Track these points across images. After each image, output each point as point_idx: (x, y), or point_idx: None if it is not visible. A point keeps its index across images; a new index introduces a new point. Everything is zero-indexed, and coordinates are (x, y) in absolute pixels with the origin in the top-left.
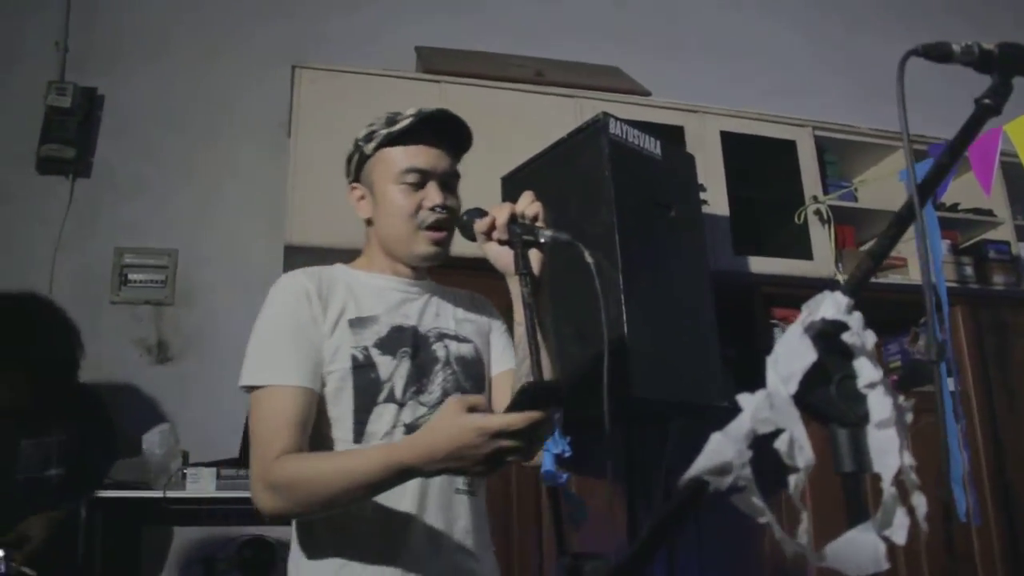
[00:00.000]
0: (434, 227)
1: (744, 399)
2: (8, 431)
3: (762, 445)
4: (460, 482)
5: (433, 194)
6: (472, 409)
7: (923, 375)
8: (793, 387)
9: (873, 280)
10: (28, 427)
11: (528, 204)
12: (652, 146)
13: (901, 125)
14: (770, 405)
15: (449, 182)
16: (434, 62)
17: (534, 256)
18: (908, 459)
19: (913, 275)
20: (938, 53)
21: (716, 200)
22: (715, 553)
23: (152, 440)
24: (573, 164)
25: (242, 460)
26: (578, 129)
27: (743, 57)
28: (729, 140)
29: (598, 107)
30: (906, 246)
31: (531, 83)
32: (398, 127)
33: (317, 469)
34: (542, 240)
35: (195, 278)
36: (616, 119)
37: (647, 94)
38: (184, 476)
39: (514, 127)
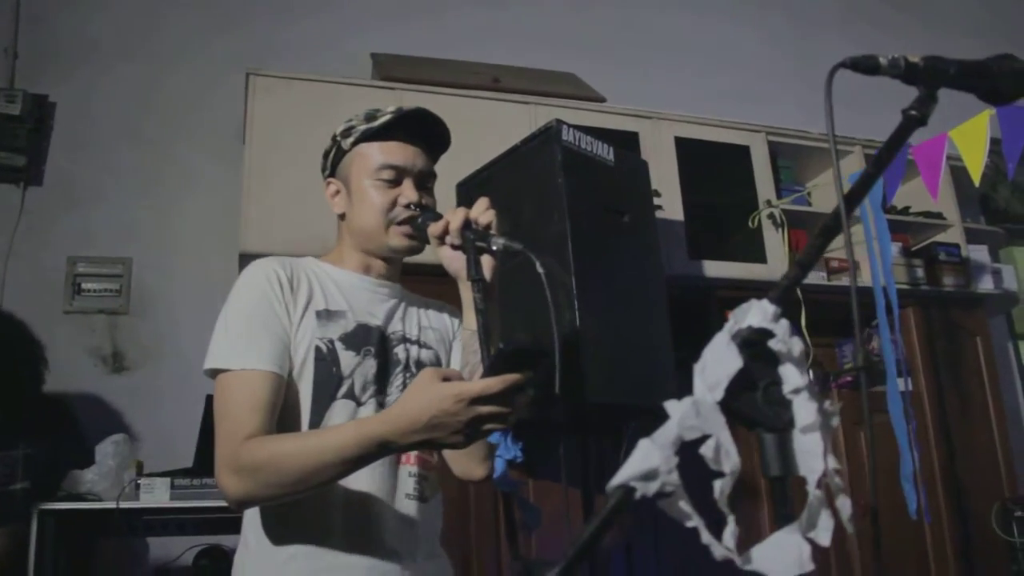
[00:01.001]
0: (407, 223)
1: (671, 406)
2: None
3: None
4: (411, 486)
5: (408, 191)
6: (446, 379)
7: (877, 375)
8: (719, 394)
9: (828, 283)
10: None
11: (482, 211)
12: (605, 152)
13: (829, 134)
14: (697, 412)
15: (425, 181)
16: (390, 69)
17: (486, 262)
18: (832, 462)
19: (865, 278)
20: (866, 66)
21: (671, 205)
22: (673, 551)
23: (105, 451)
24: (526, 171)
25: (196, 470)
26: (531, 136)
27: (698, 63)
28: (684, 146)
29: (553, 114)
30: (859, 249)
31: (488, 90)
32: (377, 123)
33: (286, 448)
34: (494, 248)
35: (150, 287)
36: (569, 126)
37: (602, 100)
38: (138, 487)
39: (471, 134)
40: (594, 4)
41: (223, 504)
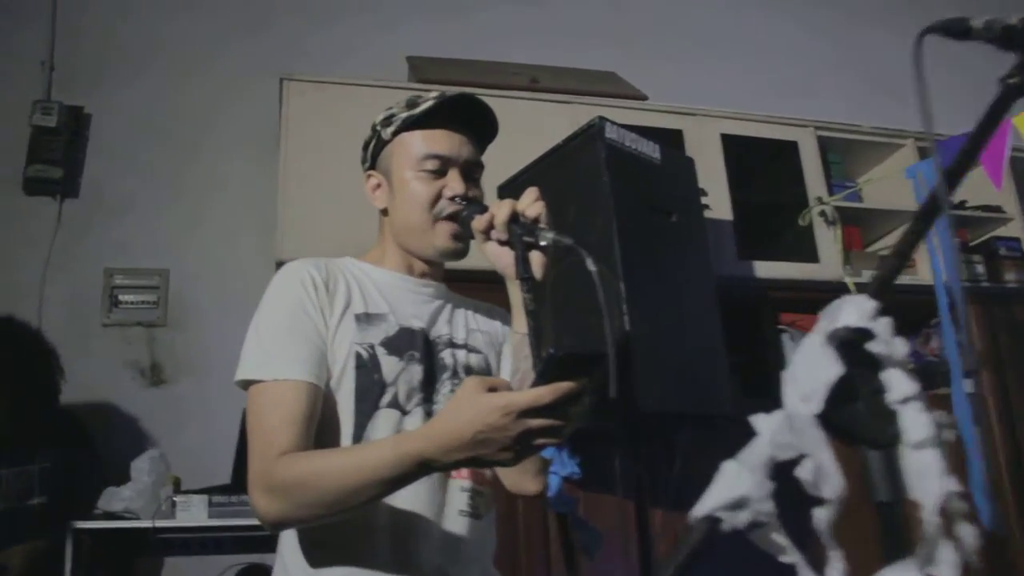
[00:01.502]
0: (453, 219)
1: (761, 421)
2: None
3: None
4: (464, 502)
5: (454, 183)
6: (492, 389)
7: (937, 378)
8: (816, 406)
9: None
10: (8, 456)
11: (530, 203)
12: (651, 150)
13: (921, 109)
14: (790, 427)
15: (472, 171)
16: (426, 72)
17: (536, 259)
18: (951, 483)
19: (923, 275)
20: (957, 29)
21: (718, 204)
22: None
23: (141, 467)
24: (570, 170)
25: (234, 486)
26: (573, 135)
27: (742, 57)
28: (730, 143)
29: (594, 113)
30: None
31: (526, 90)
32: (419, 110)
33: (321, 467)
34: (543, 243)
35: (187, 298)
36: (612, 123)
37: (644, 98)
38: (174, 504)
39: (509, 136)
40: (632, 1)
41: None
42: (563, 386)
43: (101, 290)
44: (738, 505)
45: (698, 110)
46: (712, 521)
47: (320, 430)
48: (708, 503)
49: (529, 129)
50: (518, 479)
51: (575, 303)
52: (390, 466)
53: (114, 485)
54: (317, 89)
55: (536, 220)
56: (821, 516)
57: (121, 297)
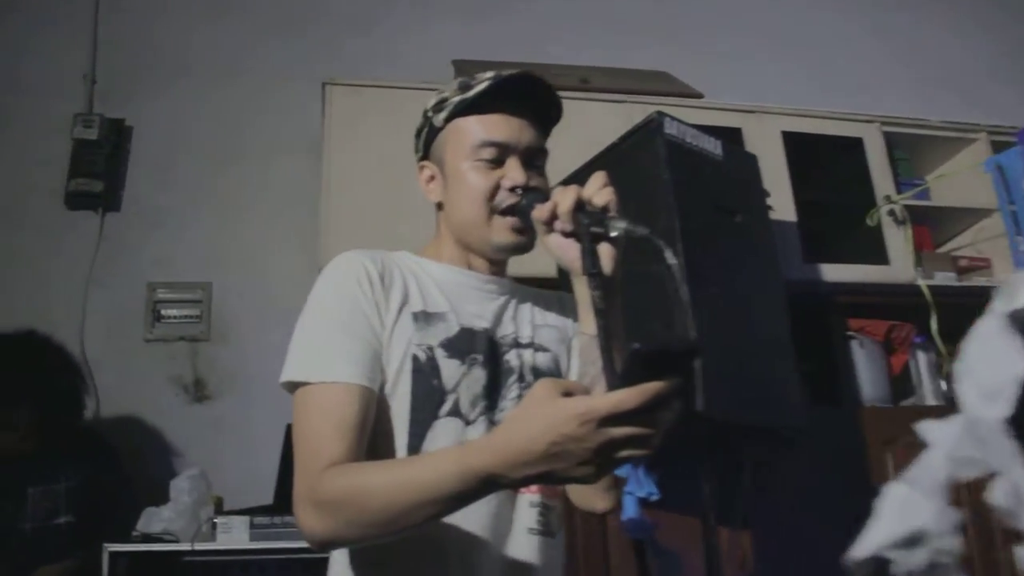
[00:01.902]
0: (514, 211)
1: (933, 430)
2: (13, 479)
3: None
4: (533, 519)
5: (514, 172)
6: (567, 394)
7: None
8: (1003, 407)
9: (959, 284)
10: (34, 474)
11: (598, 189)
12: (712, 147)
13: None
14: (972, 437)
15: (534, 158)
16: (473, 74)
17: (604, 252)
18: None
19: (1000, 277)
20: None
21: (781, 204)
22: None
23: (181, 486)
24: (628, 169)
25: (277, 507)
26: (631, 131)
27: (801, 52)
28: (791, 140)
29: (648, 111)
30: (990, 245)
31: (576, 90)
32: (473, 92)
33: (374, 481)
34: (613, 233)
35: (230, 311)
36: (672, 118)
37: (699, 96)
38: (215, 526)
39: (561, 136)
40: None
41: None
42: (652, 387)
43: (143, 304)
44: (913, 541)
45: (757, 107)
46: (879, 563)
47: (373, 441)
48: (874, 539)
49: (581, 130)
50: (586, 494)
51: (638, 304)
52: (451, 482)
53: (154, 505)
54: (360, 93)
55: (605, 208)
56: None
57: (164, 312)
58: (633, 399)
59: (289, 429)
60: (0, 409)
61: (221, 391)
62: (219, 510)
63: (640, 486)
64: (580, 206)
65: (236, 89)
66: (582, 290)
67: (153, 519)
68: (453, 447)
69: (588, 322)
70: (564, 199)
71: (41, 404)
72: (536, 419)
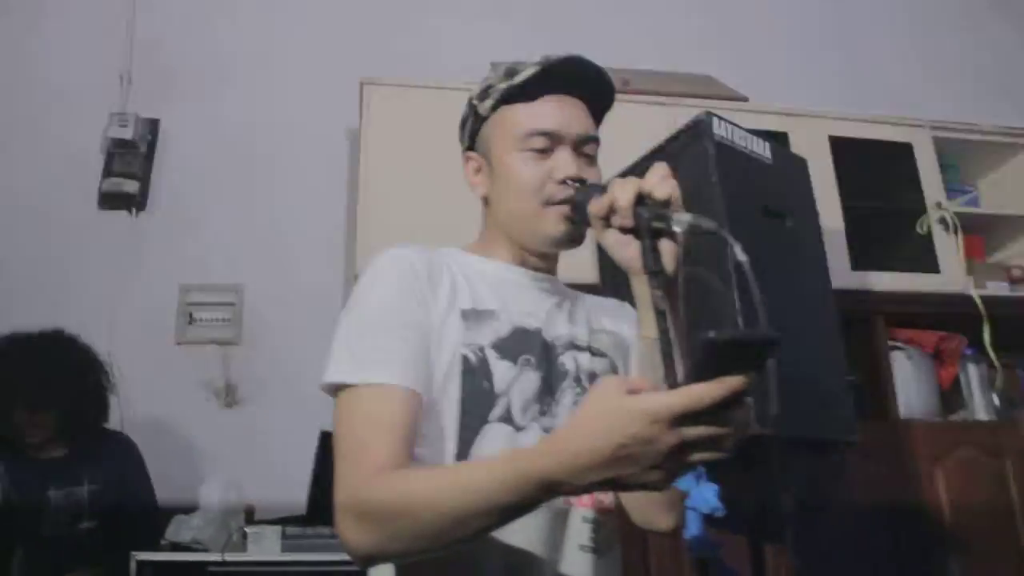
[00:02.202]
0: (566, 203)
1: None
2: (34, 481)
3: None
4: (585, 535)
5: (564, 163)
6: (633, 392)
7: None
8: None
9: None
10: (56, 476)
11: (659, 181)
12: (761, 148)
13: None
14: None
15: (585, 148)
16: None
17: (667, 249)
18: None
19: None
20: None
21: (829, 211)
22: None
23: (211, 494)
24: (675, 170)
25: (310, 517)
26: (677, 132)
27: (847, 57)
28: (838, 145)
29: (692, 114)
30: None
31: (618, 92)
32: (519, 79)
33: (423, 489)
34: (676, 228)
35: (263, 315)
36: (720, 118)
37: (744, 100)
38: (245, 536)
39: (604, 139)
40: (727, 2)
41: (340, 558)
42: (732, 382)
43: (176, 307)
44: None
45: (804, 111)
46: None
47: (417, 446)
48: None
49: (624, 133)
50: (647, 512)
51: (695, 306)
52: (506, 490)
53: (183, 512)
54: (400, 93)
55: (667, 202)
56: None
57: (196, 314)
58: (711, 394)
59: (324, 436)
60: (27, 408)
61: (252, 396)
62: (250, 519)
63: (704, 501)
64: (640, 200)
65: (270, 90)
66: (642, 290)
67: (182, 527)
68: (509, 451)
69: (648, 324)
70: (623, 192)
71: (67, 404)
72: (601, 420)
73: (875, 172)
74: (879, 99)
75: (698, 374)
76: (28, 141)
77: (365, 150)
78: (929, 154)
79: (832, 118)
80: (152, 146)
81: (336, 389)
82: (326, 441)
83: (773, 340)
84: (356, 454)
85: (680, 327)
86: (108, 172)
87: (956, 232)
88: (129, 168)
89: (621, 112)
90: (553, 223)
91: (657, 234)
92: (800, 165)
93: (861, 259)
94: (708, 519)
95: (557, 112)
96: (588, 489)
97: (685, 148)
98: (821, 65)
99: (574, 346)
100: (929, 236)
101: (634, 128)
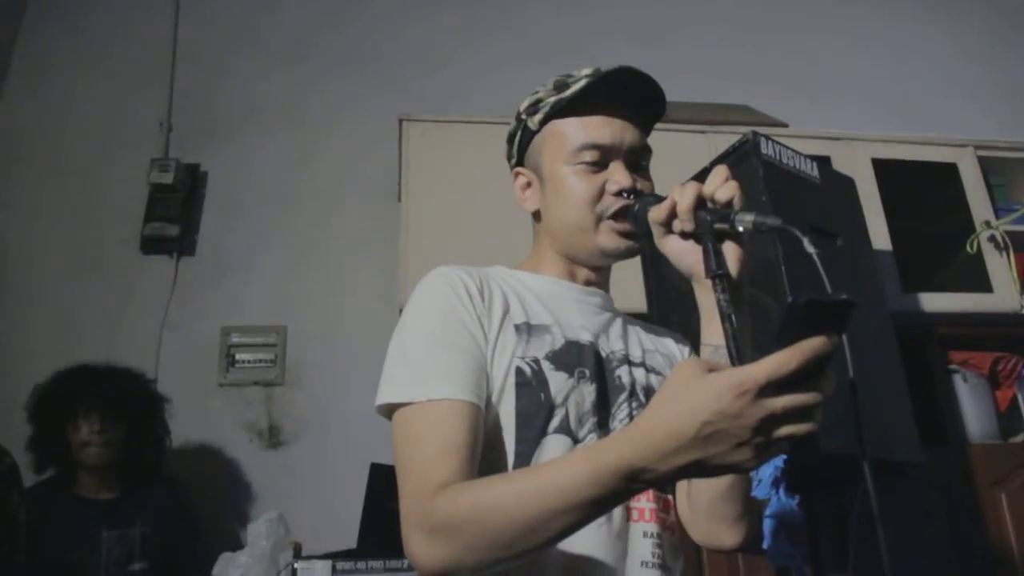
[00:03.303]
0: (621, 215)
1: None
2: (88, 522)
3: None
4: (647, 551)
5: (619, 175)
6: (712, 371)
7: None
8: None
9: None
10: (109, 517)
11: (720, 183)
12: (809, 168)
13: None
14: None
15: (639, 159)
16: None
17: (730, 252)
18: None
19: None
20: None
21: (876, 233)
22: None
23: (259, 531)
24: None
25: (361, 551)
26: (724, 153)
27: (887, 78)
28: (882, 168)
29: (732, 141)
30: None
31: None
32: (570, 92)
33: (495, 495)
34: (740, 228)
35: (305, 355)
36: (767, 138)
37: (784, 126)
38: (295, 571)
39: None
40: (763, 32)
41: None
42: (814, 344)
43: (218, 349)
44: None
45: (845, 134)
46: None
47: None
48: None
49: (666, 160)
50: (712, 527)
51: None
52: (585, 485)
53: (229, 551)
54: (437, 128)
55: (729, 203)
56: None
57: (238, 356)
58: (796, 358)
59: (374, 468)
60: (99, 416)
61: (296, 436)
62: (298, 555)
63: (782, 506)
64: (701, 203)
65: (307, 131)
66: (705, 297)
67: (229, 565)
68: (583, 448)
69: (713, 332)
70: (684, 196)
71: (135, 426)
72: (683, 399)
73: (920, 194)
74: (919, 122)
75: (780, 340)
76: (74, 187)
77: (406, 185)
78: (975, 173)
79: (874, 140)
80: (193, 190)
81: (393, 409)
82: (376, 473)
83: (851, 302)
84: (421, 471)
85: (746, 332)
86: (150, 217)
87: (1007, 250)
88: (170, 212)
89: (661, 141)
90: (609, 236)
91: (720, 237)
92: (848, 185)
93: (911, 281)
94: (788, 531)
95: (609, 126)
96: (676, 476)
97: (733, 168)
98: (859, 92)
99: (629, 362)
100: (979, 255)
101: (674, 157)
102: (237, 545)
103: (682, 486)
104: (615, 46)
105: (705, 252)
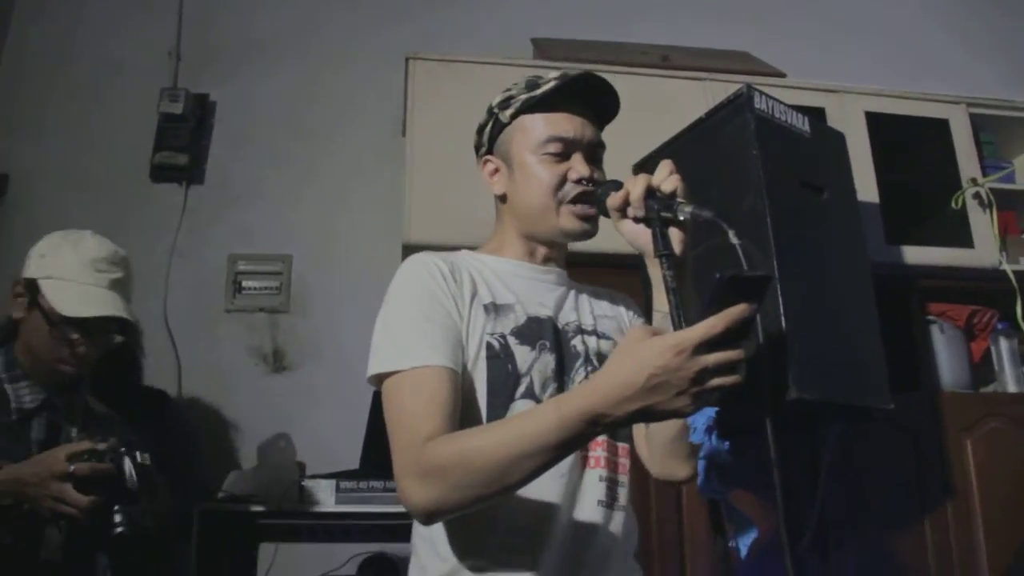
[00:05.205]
0: (580, 201)
1: None
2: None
3: None
4: (601, 492)
5: (579, 165)
6: (657, 334)
7: None
8: None
9: None
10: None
11: (665, 177)
12: (800, 122)
13: None
14: None
15: (595, 153)
16: (552, 52)
17: (675, 235)
18: None
19: None
20: None
21: (864, 185)
22: None
23: (267, 451)
24: (714, 145)
25: (363, 472)
26: (717, 107)
27: (883, 33)
28: (875, 121)
29: (730, 90)
30: None
31: (656, 67)
32: (540, 91)
33: (476, 442)
34: (681, 217)
35: (310, 284)
36: (760, 92)
37: (781, 75)
38: (302, 489)
39: (641, 113)
40: None
41: (391, 510)
42: (736, 310)
43: (225, 276)
44: None
45: (840, 87)
46: None
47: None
48: None
49: (662, 107)
50: (667, 462)
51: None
52: (554, 429)
53: (238, 469)
54: (443, 68)
55: (673, 194)
56: None
57: (244, 283)
58: (722, 322)
59: (377, 394)
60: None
61: (300, 362)
62: (302, 475)
63: (717, 452)
64: (651, 193)
65: (316, 63)
66: (655, 272)
67: (239, 481)
68: (552, 399)
69: (662, 300)
70: (635, 187)
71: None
72: (634, 356)
73: (911, 148)
74: (916, 76)
75: (710, 309)
76: (82, 114)
77: (411, 123)
78: (965, 130)
79: (868, 94)
80: (202, 120)
81: (382, 379)
82: (379, 398)
83: (767, 277)
84: (411, 426)
85: (689, 302)
86: (159, 146)
87: (991, 207)
88: (180, 142)
89: (660, 87)
90: (569, 219)
91: (666, 222)
92: (838, 140)
93: (896, 233)
94: (719, 471)
95: (572, 123)
96: (628, 420)
97: (726, 121)
98: (858, 42)
99: (582, 331)
100: (963, 211)
101: (672, 103)
102: (247, 461)
103: (639, 431)
104: None
105: (654, 235)
